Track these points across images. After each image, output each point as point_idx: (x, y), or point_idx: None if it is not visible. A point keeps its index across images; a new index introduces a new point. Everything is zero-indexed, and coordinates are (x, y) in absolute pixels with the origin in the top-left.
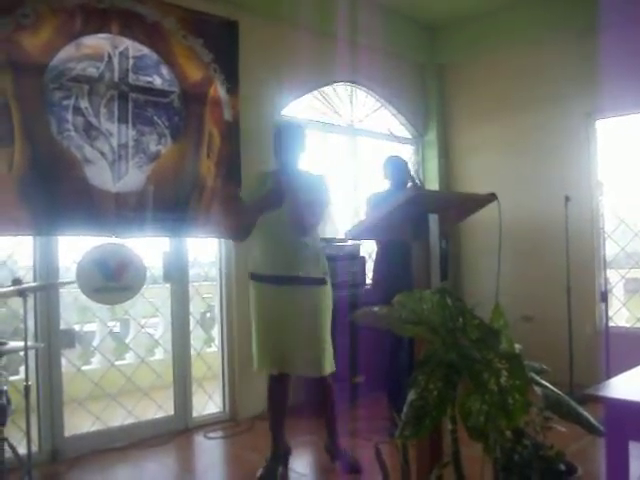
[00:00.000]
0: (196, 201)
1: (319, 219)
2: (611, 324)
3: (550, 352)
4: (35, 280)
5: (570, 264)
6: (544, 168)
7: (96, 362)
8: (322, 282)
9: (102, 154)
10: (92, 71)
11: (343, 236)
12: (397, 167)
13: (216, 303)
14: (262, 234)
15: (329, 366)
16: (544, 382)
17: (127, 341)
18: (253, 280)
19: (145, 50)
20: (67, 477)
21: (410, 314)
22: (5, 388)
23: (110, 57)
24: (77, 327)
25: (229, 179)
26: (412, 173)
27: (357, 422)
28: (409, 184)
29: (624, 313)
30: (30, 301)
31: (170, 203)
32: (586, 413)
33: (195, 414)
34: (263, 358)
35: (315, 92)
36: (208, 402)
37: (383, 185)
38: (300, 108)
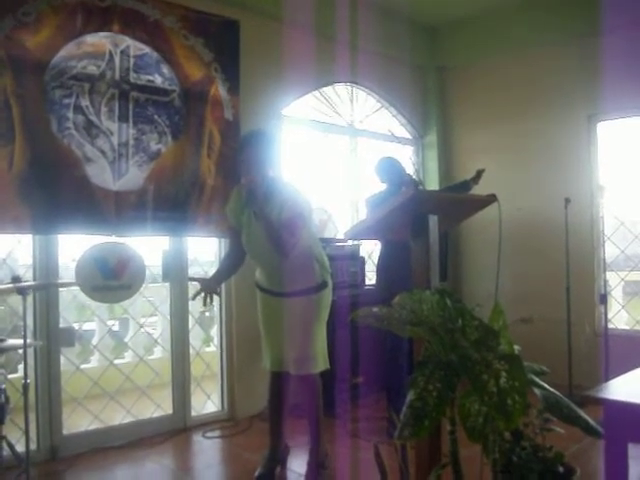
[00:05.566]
0: (196, 200)
1: (299, 236)
2: (610, 326)
3: (549, 354)
4: (35, 278)
5: (570, 266)
6: (544, 170)
7: (95, 361)
8: (316, 290)
9: (102, 153)
10: (93, 69)
11: (342, 236)
12: (390, 167)
13: (215, 302)
14: (249, 254)
15: (314, 366)
16: (543, 384)
17: (126, 340)
18: (256, 287)
19: (146, 49)
20: (65, 475)
21: (410, 315)
22: (3, 386)
23: (111, 55)
24: (76, 325)
25: (229, 178)
26: (405, 169)
27: (356, 423)
28: (405, 179)
29: (623, 315)
30: (29, 299)
31: (170, 202)
32: (585, 415)
33: (194, 413)
34: (265, 357)
35: (315, 92)
36: (207, 401)
37: (380, 187)
38: (300, 108)
